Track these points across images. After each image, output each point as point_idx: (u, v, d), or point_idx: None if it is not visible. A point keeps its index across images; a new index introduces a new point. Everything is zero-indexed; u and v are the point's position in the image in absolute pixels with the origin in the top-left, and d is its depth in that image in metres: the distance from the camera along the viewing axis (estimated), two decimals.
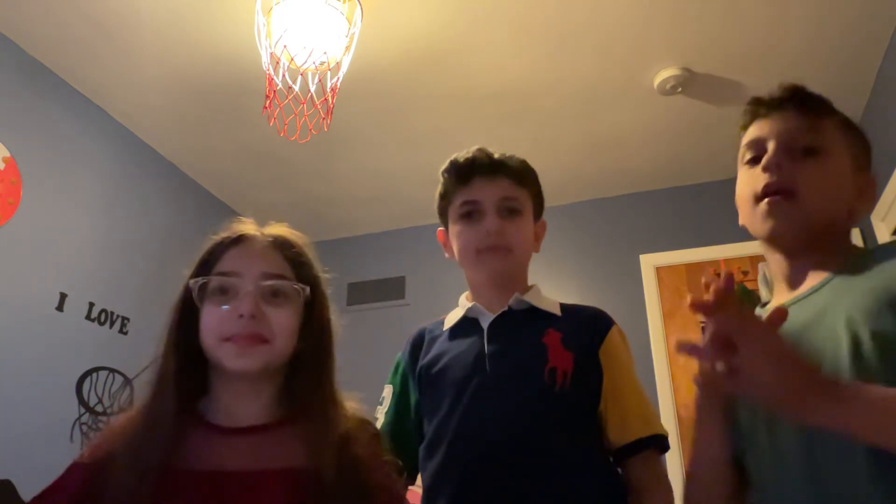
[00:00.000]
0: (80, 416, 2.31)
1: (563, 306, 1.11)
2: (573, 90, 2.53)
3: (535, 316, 1.07)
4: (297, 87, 2.04)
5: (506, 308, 1.08)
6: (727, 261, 2.91)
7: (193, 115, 2.68)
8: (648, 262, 3.10)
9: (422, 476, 1.04)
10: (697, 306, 0.63)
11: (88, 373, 2.39)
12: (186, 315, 0.82)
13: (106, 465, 0.73)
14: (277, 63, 1.95)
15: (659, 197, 3.23)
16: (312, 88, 2.02)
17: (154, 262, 2.76)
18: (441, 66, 2.39)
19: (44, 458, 2.07)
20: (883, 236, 2.44)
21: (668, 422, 2.65)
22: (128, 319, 2.59)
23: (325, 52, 1.91)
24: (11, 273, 2.15)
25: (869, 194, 0.85)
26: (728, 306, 0.62)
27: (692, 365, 0.79)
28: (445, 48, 2.30)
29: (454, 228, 1.12)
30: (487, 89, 2.52)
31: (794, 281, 0.83)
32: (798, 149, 0.82)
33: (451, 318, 1.14)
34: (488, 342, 1.04)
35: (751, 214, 0.84)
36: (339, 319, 0.90)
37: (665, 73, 2.41)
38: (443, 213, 1.17)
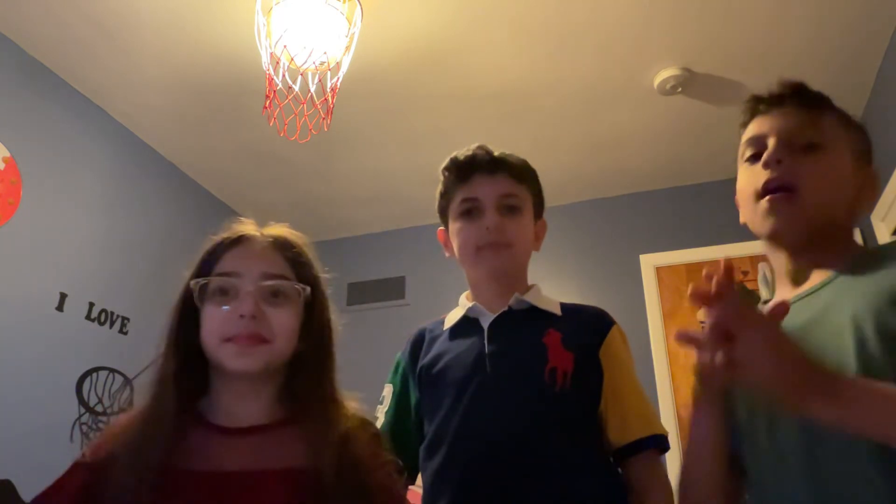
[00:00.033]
0: (80, 416, 2.31)
1: (564, 306, 1.11)
2: (573, 90, 2.53)
3: (535, 316, 1.07)
4: (297, 87, 2.04)
5: (506, 308, 1.08)
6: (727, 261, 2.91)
7: (193, 115, 2.68)
8: (648, 262, 3.10)
9: (422, 476, 1.04)
10: (697, 296, 0.63)
11: (88, 373, 2.39)
12: (187, 315, 0.83)
13: (107, 464, 0.73)
14: (277, 63, 1.95)
15: (659, 197, 3.23)
16: (312, 88, 2.02)
17: (154, 262, 2.76)
18: (441, 66, 2.39)
19: (44, 458, 2.07)
20: (883, 236, 2.44)
21: (668, 422, 2.65)
22: (128, 319, 2.59)
23: (325, 52, 1.91)
24: (11, 273, 2.15)
25: (871, 188, 0.84)
26: (728, 297, 0.62)
27: (692, 365, 0.78)
28: (445, 48, 2.30)
29: (454, 226, 1.12)
30: (487, 89, 2.52)
31: (797, 278, 0.82)
32: (799, 145, 0.81)
33: (452, 317, 1.14)
34: (488, 342, 1.04)
35: (752, 212, 0.84)
36: (339, 319, 0.90)
37: (665, 73, 2.41)
38: (443, 213, 1.17)
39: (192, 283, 0.82)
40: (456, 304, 1.16)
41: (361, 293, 3.53)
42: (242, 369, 0.79)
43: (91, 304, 2.44)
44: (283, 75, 1.97)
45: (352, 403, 0.87)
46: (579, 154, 2.95)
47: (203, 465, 0.75)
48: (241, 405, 0.82)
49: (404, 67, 2.39)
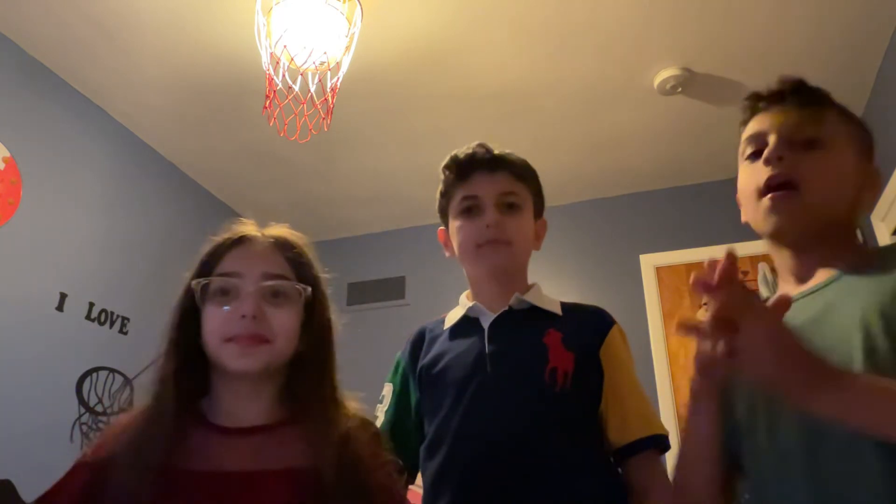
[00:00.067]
0: (80, 416, 2.31)
1: (564, 305, 1.11)
2: (573, 90, 2.53)
3: (535, 315, 1.07)
4: (297, 87, 2.04)
5: (506, 308, 1.07)
6: None
7: (193, 115, 2.68)
8: (648, 262, 3.10)
9: (422, 476, 1.04)
10: (700, 285, 0.62)
11: (88, 373, 2.39)
12: (187, 316, 0.83)
13: (108, 464, 0.73)
14: (277, 63, 1.95)
15: (659, 197, 3.23)
16: (312, 88, 2.02)
17: (154, 262, 2.76)
18: (441, 66, 2.39)
19: (44, 458, 2.06)
20: (883, 236, 2.44)
21: (668, 422, 2.65)
22: (128, 319, 2.59)
23: (325, 52, 1.91)
24: (11, 273, 2.15)
25: (873, 184, 0.83)
26: (732, 286, 0.61)
27: (692, 365, 0.78)
28: (445, 48, 2.30)
29: (454, 224, 1.12)
30: (487, 89, 2.52)
31: (801, 276, 0.81)
32: (800, 141, 0.80)
33: (452, 316, 1.14)
34: (489, 342, 1.04)
35: (754, 210, 0.83)
36: (339, 319, 0.91)
37: (665, 73, 2.41)
38: (443, 212, 1.17)
39: (194, 282, 0.82)
40: (456, 304, 1.16)
41: (361, 293, 3.53)
42: (243, 369, 0.79)
43: (91, 304, 2.44)
44: (283, 75, 1.97)
45: (352, 403, 0.87)
46: (579, 154, 2.95)
47: (203, 465, 0.75)
48: (242, 405, 0.82)
49: (404, 67, 2.39)
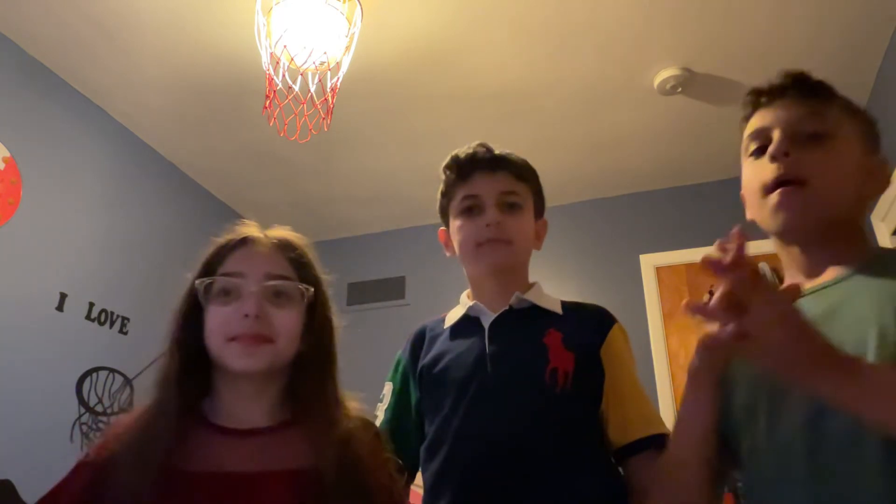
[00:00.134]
0: (80, 416, 2.31)
1: (565, 304, 1.11)
2: (573, 90, 2.53)
3: (536, 315, 1.07)
4: (297, 87, 2.04)
5: (507, 307, 1.07)
6: None
7: (193, 115, 2.68)
8: (648, 262, 3.10)
9: (423, 476, 1.04)
10: (710, 264, 0.61)
11: (88, 373, 2.39)
12: (190, 316, 0.83)
13: (110, 464, 0.74)
14: (277, 63, 1.95)
15: (659, 197, 3.23)
16: (312, 88, 2.02)
17: (154, 262, 2.76)
18: (441, 66, 2.39)
19: (44, 458, 2.07)
20: (883, 236, 2.44)
21: (669, 421, 2.64)
22: (128, 319, 2.59)
23: (325, 52, 1.91)
24: (11, 273, 2.15)
25: (881, 176, 0.81)
26: (743, 266, 0.60)
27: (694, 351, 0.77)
28: (445, 48, 2.30)
29: (455, 224, 1.12)
30: (487, 89, 2.52)
31: (810, 273, 0.79)
32: (804, 136, 0.79)
33: (452, 316, 1.14)
34: (489, 342, 1.04)
35: (760, 207, 0.80)
36: (339, 320, 0.91)
37: (665, 73, 2.41)
38: (444, 212, 1.17)
39: (197, 282, 0.83)
40: (456, 304, 1.16)
41: (361, 293, 3.54)
42: (246, 369, 0.79)
43: (91, 304, 2.44)
44: (283, 75, 1.97)
45: (353, 404, 0.87)
46: (579, 154, 2.96)
47: (205, 466, 0.75)
48: (244, 406, 0.82)
49: (404, 67, 2.39)
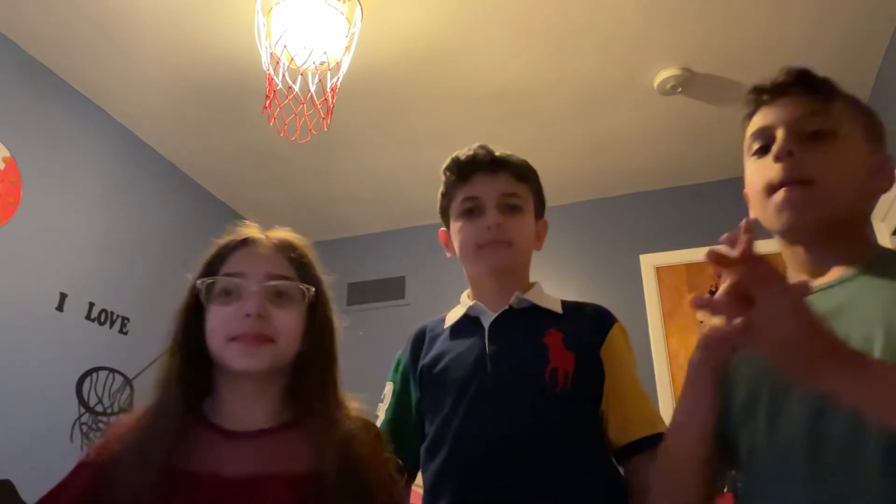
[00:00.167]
0: (80, 416, 2.31)
1: (565, 304, 1.11)
2: (573, 90, 2.53)
3: (536, 315, 1.07)
4: (297, 87, 2.04)
5: (507, 307, 1.07)
6: None
7: (193, 115, 2.68)
8: (648, 262, 3.10)
9: (423, 476, 1.04)
10: (717, 258, 0.60)
11: (88, 373, 2.39)
12: (191, 316, 0.83)
13: (111, 465, 0.74)
14: (277, 63, 1.95)
15: (659, 197, 3.23)
16: (312, 88, 2.02)
17: (154, 262, 2.77)
18: (441, 66, 2.39)
19: (44, 458, 2.07)
20: (883, 236, 2.44)
21: (669, 421, 2.65)
22: (128, 319, 2.59)
23: (325, 52, 1.91)
24: (11, 273, 2.15)
25: (886, 172, 0.80)
26: (752, 260, 0.59)
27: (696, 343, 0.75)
28: (445, 48, 2.30)
29: (455, 225, 1.12)
30: (487, 89, 2.52)
31: (815, 273, 0.78)
32: (808, 134, 0.77)
33: (452, 315, 1.14)
34: (489, 342, 1.04)
35: (764, 207, 0.79)
36: (339, 322, 0.91)
37: (665, 73, 2.41)
38: (444, 213, 1.17)
39: (198, 282, 0.83)
40: (456, 304, 1.16)
41: (361, 293, 3.54)
42: (247, 369, 0.79)
43: (91, 304, 2.44)
44: (283, 75, 1.97)
45: (354, 404, 0.87)
46: (579, 154, 2.96)
47: (206, 468, 0.75)
48: (245, 406, 0.82)
49: (404, 67, 2.39)
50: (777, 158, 0.77)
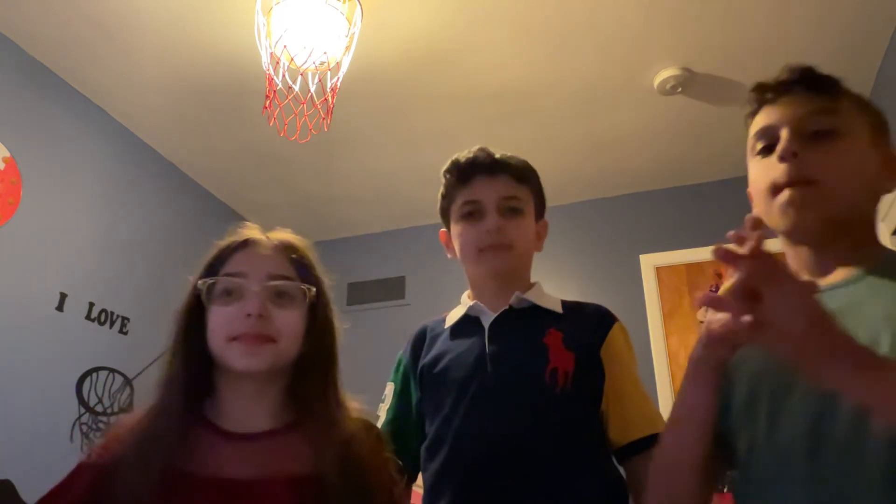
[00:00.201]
0: (80, 416, 2.31)
1: (566, 304, 1.11)
2: (573, 90, 2.53)
3: (536, 315, 1.07)
4: (297, 87, 2.03)
5: (507, 307, 1.08)
6: None
7: (193, 115, 2.68)
8: (648, 262, 3.10)
9: (423, 476, 1.04)
10: (724, 255, 0.59)
11: (88, 373, 2.39)
12: (192, 317, 0.83)
13: (113, 467, 0.74)
14: (277, 63, 1.95)
15: (659, 197, 3.23)
16: (312, 88, 2.02)
17: (154, 262, 2.77)
18: (441, 66, 2.39)
19: (44, 458, 2.07)
20: (883, 236, 2.44)
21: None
22: (128, 319, 2.59)
23: (325, 52, 1.91)
24: (11, 273, 2.15)
25: (893, 172, 0.78)
26: (762, 257, 0.58)
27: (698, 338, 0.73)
28: (445, 48, 2.30)
29: (456, 228, 1.13)
30: (487, 89, 2.52)
31: (819, 273, 0.77)
32: (813, 133, 0.76)
33: (453, 315, 1.14)
34: (489, 342, 1.04)
35: (768, 207, 0.78)
36: (341, 323, 0.92)
37: (665, 73, 2.41)
38: (444, 214, 1.17)
39: (200, 282, 0.83)
40: (456, 304, 1.16)
41: (361, 293, 3.54)
42: (248, 368, 0.80)
43: (91, 304, 2.44)
44: (283, 75, 1.97)
45: (355, 405, 0.88)
46: (579, 154, 2.96)
47: (207, 470, 0.75)
48: (246, 407, 0.82)
49: (404, 67, 2.39)
50: (782, 159, 0.76)
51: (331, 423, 0.81)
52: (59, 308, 2.32)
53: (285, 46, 1.89)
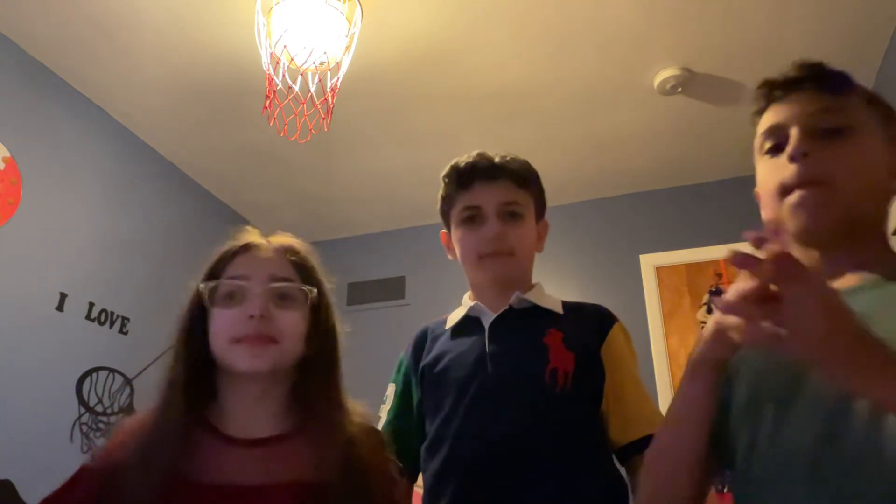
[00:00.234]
0: (80, 416, 2.31)
1: (566, 304, 1.11)
2: (573, 90, 2.53)
3: (536, 315, 1.07)
4: (297, 87, 2.03)
5: (507, 307, 1.08)
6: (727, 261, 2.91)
7: (193, 116, 2.68)
8: (648, 262, 3.10)
9: (423, 476, 1.04)
10: (741, 260, 0.56)
11: (88, 373, 2.39)
12: (194, 322, 0.84)
13: (115, 472, 0.74)
14: (277, 63, 1.95)
15: (659, 197, 3.23)
16: (312, 88, 2.02)
17: (154, 262, 2.76)
18: (441, 66, 2.39)
19: (44, 458, 2.07)
20: None
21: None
22: (128, 319, 2.59)
23: (325, 52, 1.91)
24: (11, 273, 2.15)
25: None
26: (784, 261, 0.54)
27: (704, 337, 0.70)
28: (445, 48, 2.30)
29: (456, 233, 1.13)
30: (487, 89, 2.52)
31: (830, 278, 0.73)
32: (823, 131, 0.73)
33: (454, 316, 1.14)
34: (489, 342, 1.05)
35: (777, 208, 0.75)
36: (343, 325, 0.92)
37: (665, 73, 2.41)
38: (445, 215, 1.17)
39: (202, 286, 0.83)
40: (456, 304, 1.16)
41: (361, 293, 3.53)
42: (252, 369, 0.80)
43: (91, 304, 2.44)
44: (283, 75, 1.97)
45: (358, 409, 0.88)
46: (579, 154, 2.95)
47: (211, 477, 0.75)
48: (250, 412, 0.82)
49: (404, 67, 2.39)
50: (792, 159, 0.73)
51: (333, 426, 0.81)
52: (59, 308, 2.32)
53: (285, 46, 1.89)
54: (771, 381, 0.72)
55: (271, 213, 3.46)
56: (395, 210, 3.47)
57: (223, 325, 0.81)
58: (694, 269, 3.01)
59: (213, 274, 0.85)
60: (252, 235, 0.90)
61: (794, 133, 0.74)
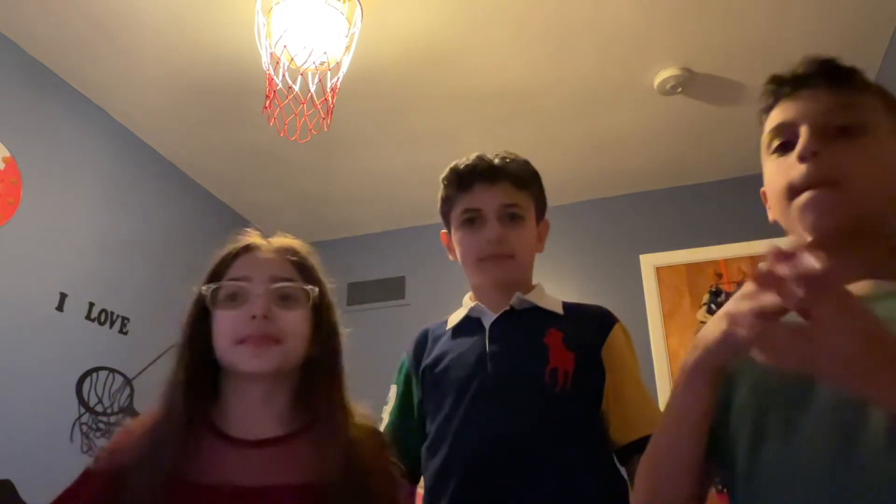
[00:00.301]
0: (80, 416, 2.31)
1: (566, 305, 1.11)
2: (573, 90, 2.53)
3: (537, 315, 1.07)
4: (297, 87, 2.03)
5: (508, 307, 1.08)
6: (727, 261, 2.91)
7: (193, 116, 2.68)
8: (648, 262, 3.10)
9: (423, 476, 1.04)
10: (767, 281, 0.52)
11: (88, 373, 2.39)
12: (197, 324, 0.84)
13: (119, 474, 0.74)
14: (277, 63, 1.95)
15: (659, 197, 3.23)
16: (312, 88, 2.02)
17: (154, 262, 2.77)
18: (441, 66, 2.39)
19: (44, 458, 2.07)
20: None
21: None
22: (128, 319, 2.59)
23: (325, 52, 1.91)
24: (11, 273, 2.15)
25: None
26: (817, 280, 0.51)
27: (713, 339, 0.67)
28: (445, 48, 2.30)
29: (456, 234, 1.13)
30: (487, 89, 2.52)
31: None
32: (834, 130, 0.70)
33: (454, 317, 1.14)
34: (490, 342, 1.05)
35: (785, 209, 0.72)
36: (344, 326, 0.92)
37: (665, 73, 2.41)
38: (445, 217, 1.17)
39: (204, 288, 0.84)
40: (456, 304, 1.16)
41: (361, 293, 3.54)
42: (256, 370, 0.80)
43: (91, 304, 2.44)
44: (283, 75, 1.97)
45: (361, 411, 0.88)
46: (579, 154, 2.95)
47: (214, 478, 0.75)
48: (254, 413, 0.82)
49: (404, 67, 2.39)
50: (801, 158, 0.70)
51: (336, 428, 0.81)
52: (59, 308, 2.32)
53: (285, 46, 1.89)
54: (776, 384, 0.70)
55: (271, 214, 3.46)
56: (395, 210, 3.47)
57: (226, 326, 0.81)
58: (694, 269, 3.00)
59: (215, 276, 0.86)
60: (252, 237, 0.91)
61: (803, 131, 0.71)
